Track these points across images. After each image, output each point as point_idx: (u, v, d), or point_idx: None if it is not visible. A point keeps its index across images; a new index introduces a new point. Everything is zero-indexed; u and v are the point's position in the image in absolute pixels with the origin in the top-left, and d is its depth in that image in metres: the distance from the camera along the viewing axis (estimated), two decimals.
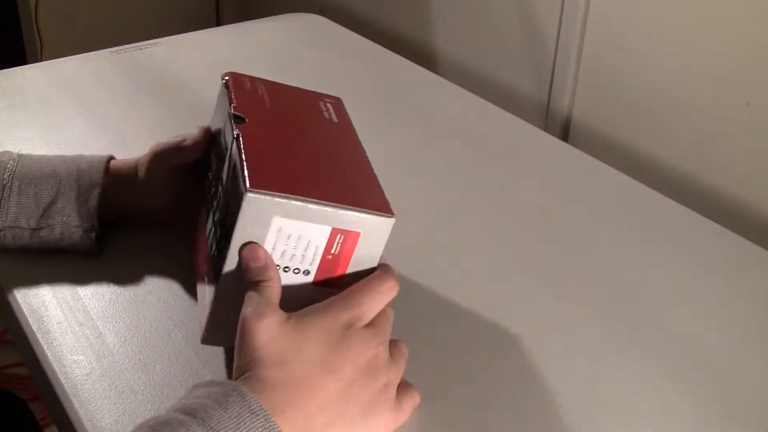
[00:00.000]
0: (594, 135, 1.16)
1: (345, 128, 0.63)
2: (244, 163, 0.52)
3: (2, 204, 0.67)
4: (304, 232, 0.51)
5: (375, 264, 0.54)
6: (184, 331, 0.63)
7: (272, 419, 0.45)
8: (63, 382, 0.58)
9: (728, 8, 0.95)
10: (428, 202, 0.81)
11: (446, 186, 0.84)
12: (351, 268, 0.53)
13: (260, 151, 0.54)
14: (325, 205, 0.51)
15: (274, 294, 0.51)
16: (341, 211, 0.51)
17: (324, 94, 0.68)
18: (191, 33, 1.22)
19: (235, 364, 0.50)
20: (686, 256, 0.75)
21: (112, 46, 1.15)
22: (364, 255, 0.53)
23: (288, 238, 0.51)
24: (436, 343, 0.63)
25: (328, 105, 0.66)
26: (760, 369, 0.62)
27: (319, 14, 1.31)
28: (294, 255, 0.52)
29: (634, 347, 0.64)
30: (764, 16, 0.92)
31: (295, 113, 0.63)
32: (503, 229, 0.78)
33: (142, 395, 0.57)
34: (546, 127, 1.21)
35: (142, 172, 0.69)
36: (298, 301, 0.52)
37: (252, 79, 0.65)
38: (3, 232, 0.67)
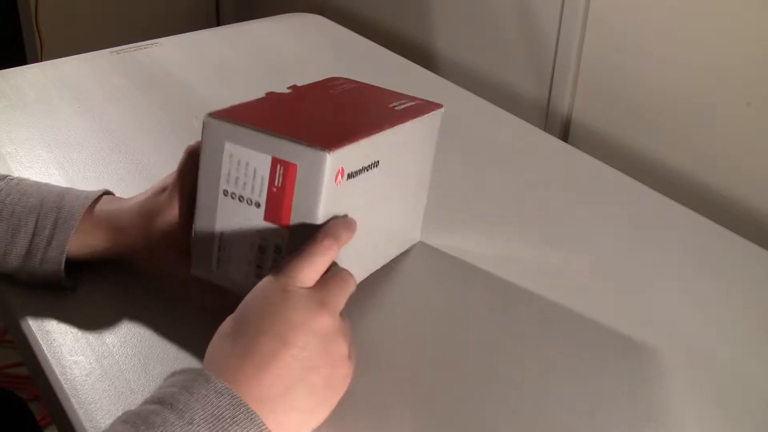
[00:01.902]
0: (594, 135, 1.16)
1: (391, 114, 0.64)
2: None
3: None
4: (250, 159, 0.55)
5: (316, 219, 0.54)
6: (184, 331, 0.63)
7: (237, 396, 0.47)
8: (63, 382, 0.58)
9: (728, 8, 0.95)
10: (428, 202, 0.81)
11: (446, 186, 0.84)
12: (295, 208, 0.54)
13: (251, 103, 0.61)
14: (264, 132, 0.54)
15: None
16: (277, 140, 0.54)
17: (424, 101, 0.70)
18: (191, 33, 1.22)
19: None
20: (686, 256, 0.75)
21: (112, 46, 1.15)
22: (305, 196, 0.54)
23: (238, 164, 0.55)
24: (436, 342, 0.63)
25: (406, 103, 0.68)
26: (760, 369, 0.62)
27: (319, 14, 1.31)
28: (245, 183, 0.55)
29: (634, 347, 0.64)
30: (764, 16, 0.92)
31: (342, 97, 0.67)
32: (503, 229, 0.78)
33: (142, 395, 0.57)
34: (546, 127, 1.21)
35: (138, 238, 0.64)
36: (250, 242, 0.55)
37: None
38: None
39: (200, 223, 0.58)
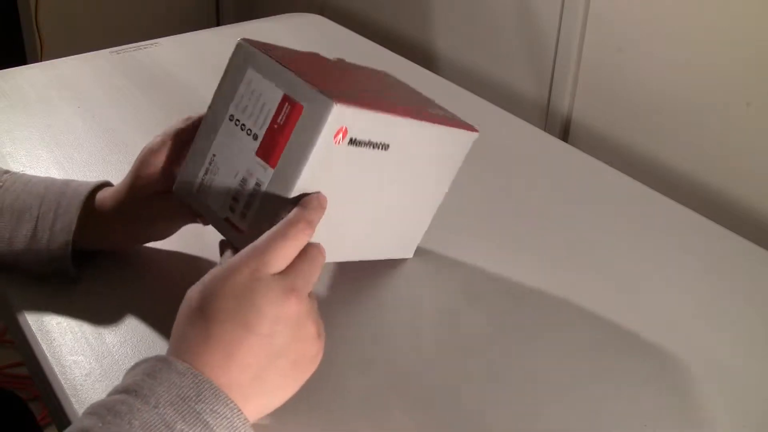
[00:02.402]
0: (594, 135, 1.16)
1: (420, 110, 0.64)
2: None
3: None
4: (264, 90, 0.55)
5: (302, 168, 0.53)
6: None
7: (200, 375, 0.47)
8: (63, 382, 0.58)
9: (728, 8, 0.95)
10: None
11: None
12: (287, 151, 0.54)
13: (289, 49, 0.61)
14: (287, 69, 0.54)
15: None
16: (294, 78, 0.54)
17: (462, 121, 0.70)
18: (191, 33, 1.22)
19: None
20: (686, 256, 0.75)
21: (111, 46, 1.15)
22: (300, 141, 0.53)
23: (252, 93, 0.55)
24: (435, 342, 0.63)
25: (444, 113, 0.68)
26: (760, 369, 0.62)
27: (319, 14, 1.31)
28: (252, 113, 0.55)
29: (634, 347, 0.64)
30: (764, 16, 0.92)
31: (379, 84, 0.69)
32: (503, 229, 0.78)
33: None
34: (546, 127, 1.21)
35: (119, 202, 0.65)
36: (235, 172, 0.55)
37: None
38: None
39: (199, 142, 0.58)
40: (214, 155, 0.57)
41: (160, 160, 0.63)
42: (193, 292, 0.51)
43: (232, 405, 0.47)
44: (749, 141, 0.96)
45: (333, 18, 1.30)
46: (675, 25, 1.01)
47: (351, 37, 1.23)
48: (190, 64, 1.10)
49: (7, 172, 0.68)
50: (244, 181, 0.55)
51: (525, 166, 0.89)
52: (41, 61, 1.46)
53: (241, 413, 0.47)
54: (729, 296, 0.70)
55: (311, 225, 0.52)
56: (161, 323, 0.63)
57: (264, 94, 0.55)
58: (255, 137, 0.55)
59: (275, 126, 0.54)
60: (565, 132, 1.20)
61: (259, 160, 0.55)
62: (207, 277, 0.51)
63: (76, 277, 0.66)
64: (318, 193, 0.54)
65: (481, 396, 0.58)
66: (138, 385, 0.46)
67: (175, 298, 0.66)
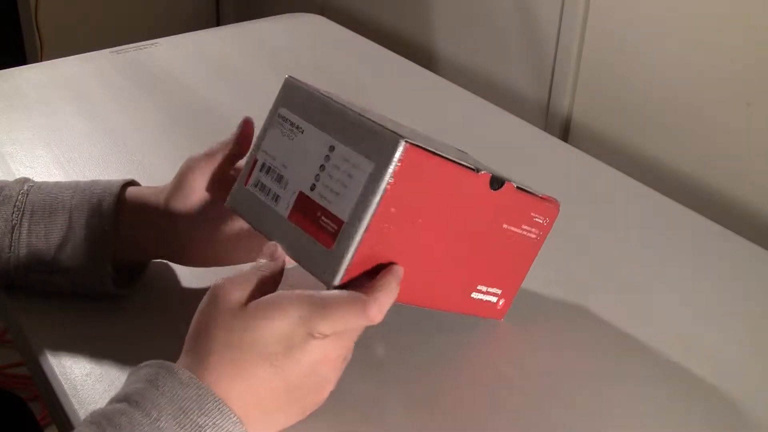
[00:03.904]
0: (594, 135, 1.16)
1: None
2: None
3: (12, 247, 0.61)
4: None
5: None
6: (185, 331, 0.63)
7: (205, 386, 0.46)
8: (63, 382, 0.58)
9: (728, 8, 0.95)
10: None
11: None
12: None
13: None
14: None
15: (262, 279, 0.50)
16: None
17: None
18: (191, 33, 1.22)
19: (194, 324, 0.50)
20: (686, 256, 0.75)
21: (112, 46, 1.15)
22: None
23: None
24: (435, 342, 0.63)
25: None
26: (760, 369, 0.62)
27: (319, 14, 1.31)
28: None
29: (634, 347, 0.64)
30: (764, 16, 0.92)
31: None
32: None
33: None
34: (546, 127, 1.21)
35: (168, 197, 0.61)
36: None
37: None
38: (16, 273, 0.62)
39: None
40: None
41: (207, 167, 0.60)
42: (231, 295, 0.48)
43: (234, 419, 0.46)
44: (749, 141, 0.96)
45: (333, 18, 1.30)
46: (675, 25, 1.01)
47: (351, 37, 1.23)
48: (190, 64, 1.10)
49: (27, 180, 0.65)
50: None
51: (525, 166, 0.89)
52: (41, 61, 1.46)
53: (243, 428, 0.47)
54: (729, 296, 0.70)
55: (382, 312, 0.48)
56: (162, 323, 0.63)
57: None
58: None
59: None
60: (565, 132, 1.20)
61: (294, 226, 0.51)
62: (246, 283, 0.49)
63: (122, 294, 0.63)
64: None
65: (481, 396, 0.58)
66: (140, 395, 0.46)
67: (176, 299, 0.66)
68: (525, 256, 0.63)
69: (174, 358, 0.60)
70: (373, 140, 0.48)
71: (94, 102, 0.99)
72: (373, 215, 0.48)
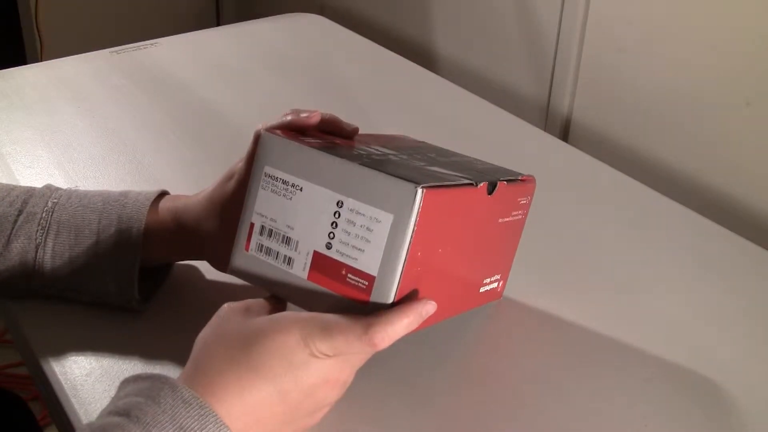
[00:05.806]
0: (594, 135, 1.16)
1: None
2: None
3: (36, 266, 0.61)
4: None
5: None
6: (185, 331, 0.63)
7: (207, 405, 0.45)
8: (63, 382, 0.58)
9: (728, 8, 0.95)
10: None
11: None
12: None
13: None
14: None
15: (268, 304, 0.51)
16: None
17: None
18: (191, 33, 1.22)
19: (202, 334, 0.50)
20: (686, 256, 0.75)
21: (112, 46, 1.15)
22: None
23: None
24: (435, 342, 0.63)
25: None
26: (760, 369, 0.62)
27: (319, 14, 1.31)
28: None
29: (634, 347, 0.64)
30: (764, 16, 0.92)
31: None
32: None
33: None
34: (546, 127, 1.21)
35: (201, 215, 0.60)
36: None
37: None
38: (40, 290, 0.62)
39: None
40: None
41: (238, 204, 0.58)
42: (236, 315, 0.49)
43: None
44: (749, 141, 0.96)
45: (333, 18, 1.30)
46: (675, 25, 1.01)
47: (351, 37, 1.23)
48: (190, 64, 1.10)
49: (53, 191, 0.65)
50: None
51: (525, 166, 0.89)
52: (41, 61, 1.46)
53: None
54: (729, 296, 0.70)
55: (388, 341, 0.48)
56: (163, 323, 0.63)
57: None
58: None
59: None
60: (565, 132, 1.20)
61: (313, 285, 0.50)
62: (253, 303, 0.50)
63: (141, 307, 0.63)
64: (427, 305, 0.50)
65: (481, 396, 0.58)
66: (140, 410, 0.45)
67: (176, 299, 0.66)
68: (514, 236, 0.65)
69: (174, 358, 0.60)
70: (386, 191, 0.47)
71: (94, 102, 0.99)
72: (404, 265, 0.48)
